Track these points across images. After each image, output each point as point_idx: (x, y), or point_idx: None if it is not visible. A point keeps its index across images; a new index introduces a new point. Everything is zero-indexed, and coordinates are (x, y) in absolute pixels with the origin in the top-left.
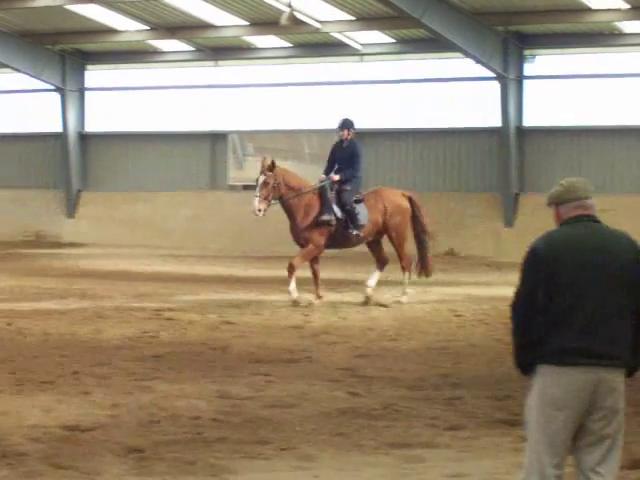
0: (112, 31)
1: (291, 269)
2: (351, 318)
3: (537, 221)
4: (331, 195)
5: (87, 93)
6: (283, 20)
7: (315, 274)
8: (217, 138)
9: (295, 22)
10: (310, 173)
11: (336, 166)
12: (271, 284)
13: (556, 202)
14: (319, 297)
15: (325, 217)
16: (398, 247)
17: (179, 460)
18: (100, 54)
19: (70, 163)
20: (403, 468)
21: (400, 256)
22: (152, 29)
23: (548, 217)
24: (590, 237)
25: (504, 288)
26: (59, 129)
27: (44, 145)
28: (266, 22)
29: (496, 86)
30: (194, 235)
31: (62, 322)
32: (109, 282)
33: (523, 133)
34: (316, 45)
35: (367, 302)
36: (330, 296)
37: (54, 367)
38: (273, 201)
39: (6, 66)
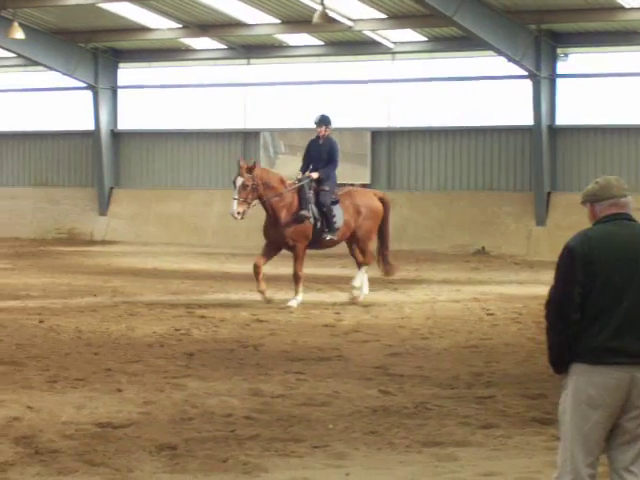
0: (145, 29)
1: (298, 279)
2: (383, 316)
3: (569, 220)
4: (309, 194)
5: (119, 91)
6: (315, 18)
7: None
8: (249, 136)
9: (327, 20)
10: (341, 172)
11: (305, 165)
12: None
13: (591, 200)
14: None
15: (304, 212)
16: (363, 245)
17: (211, 457)
18: (132, 52)
19: (102, 161)
20: (435, 466)
21: (364, 253)
22: (184, 27)
23: (580, 216)
24: (625, 236)
25: (536, 287)
26: (91, 127)
27: (76, 143)
28: (298, 20)
29: (528, 84)
30: (226, 233)
31: (94, 319)
32: (141, 280)
33: (555, 132)
34: (348, 43)
35: (355, 302)
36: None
37: (86, 364)
38: (253, 202)
39: (39, 64)
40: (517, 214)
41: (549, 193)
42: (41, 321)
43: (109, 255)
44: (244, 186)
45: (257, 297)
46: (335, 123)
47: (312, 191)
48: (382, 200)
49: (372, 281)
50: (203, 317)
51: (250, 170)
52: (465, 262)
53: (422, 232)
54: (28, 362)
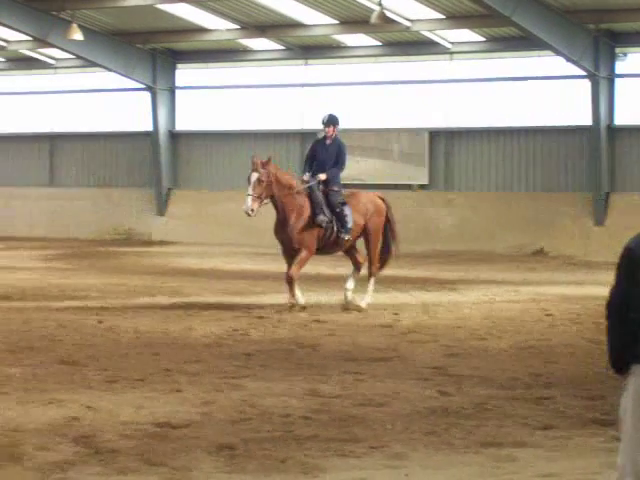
0: (203, 30)
1: (290, 280)
2: (440, 317)
3: (628, 220)
4: (320, 196)
5: (177, 92)
6: (373, 19)
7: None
8: (307, 137)
9: (385, 21)
10: (399, 172)
11: (314, 165)
12: (360, 283)
13: None
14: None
15: (321, 217)
16: (373, 249)
17: (270, 457)
18: (190, 53)
19: (160, 162)
20: (494, 467)
21: (373, 260)
22: (242, 28)
23: (639, 216)
24: None
25: (595, 287)
26: (149, 128)
27: (135, 144)
28: (356, 21)
29: (587, 84)
30: None
31: (153, 320)
32: (199, 280)
33: (614, 132)
34: (406, 43)
35: (347, 306)
36: (420, 295)
37: (145, 364)
38: (265, 200)
39: (97, 65)
40: (575, 214)
41: (608, 193)
42: (100, 321)
43: (167, 255)
44: (259, 181)
45: (315, 297)
46: (393, 123)
47: (320, 193)
48: (383, 201)
49: (427, 281)
50: (261, 317)
51: (265, 166)
52: (523, 263)
53: (479, 232)
54: (87, 362)
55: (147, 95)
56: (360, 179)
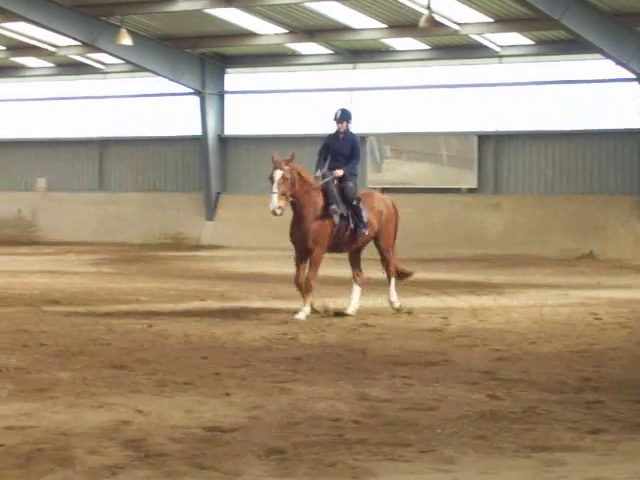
0: (251, 34)
1: (310, 288)
2: (489, 321)
3: None
4: (335, 191)
5: (226, 96)
6: (422, 22)
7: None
8: None
9: (434, 24)
10: (448, 176)
11: (327, 161)
12: (408, 286)
13: None
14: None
15: (334, 207)
16: (387, 252)
17: (319, 462)
18: (239, 57)
19: (209, 166)
20: (544, 471)
21: (389, 262)
22: (291, 32)
23: None
24: None
25: None
26: (198, 132)
27: (184, 148)
28: (404, 25)
29: (636, 87)
30: None
31: (202, 324)
32: (247, 284)
33: None
34: (454, 47)
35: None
36: (469, 299)
37: (194, 368)
38: (290, 198)
39: (146, 70)
40: (624, 218)
41: None
42: (149, 325)
43: (216, 260)
44: (284, 179)
45: (363, 301)
46: (441, 127)
47: (336, 188)
48: (394, 206)
49: (475, 285)
50: (310, 321)
51: (288, 163)
52: (572, 266)
53: (528, 236)
54: (137, 366)
55: (196, 100)
56: (408, 183)
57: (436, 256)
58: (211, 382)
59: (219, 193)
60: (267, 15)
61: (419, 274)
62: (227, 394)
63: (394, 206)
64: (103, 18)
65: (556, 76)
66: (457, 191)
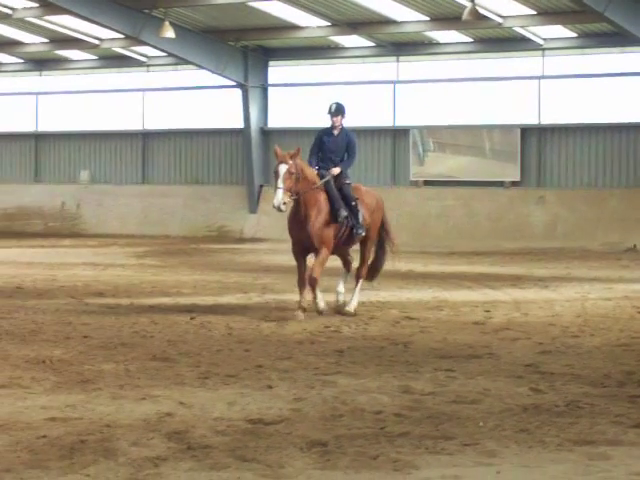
0: (294, 27)
1: (315, 283)
2: (533, 314)
3: None
4: (336, 190)
5: (269, 89)
6: (465, 15)
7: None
8: (398, 134)
9: (477, 17)
10: (491, 169)
11: (317, 157)
12: (451, 280)
13: None
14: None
15: (343, 212)
16: (368, 251)
17: (362, 454)
18: (282, 50)
19: (252, 159)
20: (587, 465)
21: (366, 261)
22: (334, 25)
23: None
24: None
25: None
26: (241, 125)
27: (226, 141)
28: (448, 17)
29: None
30: None
31: (245, 316)
32: (291, 277)
33: None
34: (497, 40)
35: (338, 310)
36: (512, 292)
37: (237, 361)
38: (294, 195)
39: (189, 62)
40: None
41: None
42: (192, 318)
43: (259, 252)
44: (289, 173)
45: (407, 294)
46: (484, 120)
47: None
48: (380, 200)
49: (519, 278)
50: (353, 314)
51: (293, 157)
52: (616, 260)
53: (572, 229)
54: (180, 358)
55: (239, 92)
56: (451, 176)
57: (479, 249)
58: (254, 374)
59: (262, 186)
60: (310, 8)
61: (462, 267)
62: (270, 387)
63: (381, 200)
64: (146, 11)
65: (599, 69)
66: (500, 184)
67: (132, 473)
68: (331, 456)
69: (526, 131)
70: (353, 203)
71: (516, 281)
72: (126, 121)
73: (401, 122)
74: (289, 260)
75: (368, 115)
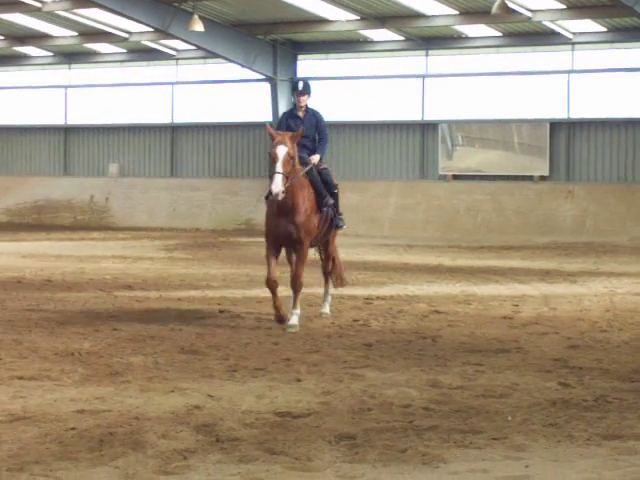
0: (323, 21)
1: (300, 286)
2: (561, 309)
3: None
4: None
5: None
6: (494, 9)
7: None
8: (427, 128)
9: (506, 11)
10: (520, 163)
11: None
12: (480, 274)
13: None
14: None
15: (331, 200)
16: (334, 250)
17: (390, 448)
18: (311, 44)
19: None
20: (616, 460)
21: (335, 261)
22: (363, 19)
23: None
24: None
25: None
26: (270, 118)
27: (255, 134)
28: (477, 11)
29: None
30: (404, 224)
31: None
32: (319, 270)
33: None
34: (527, 34)
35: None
36: (541, 287)
37: (266, 354)
38: (288, 183)
39: (218, 56)
40: None
41: None
42: (221, 311)
43: None
44: (289, 157)
45: (435, 288)
46: (513, 114)
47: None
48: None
49: (547, 273)
50: (381, 308)
51: (294, 140)
52: None
53: (601, 224)
54: (208, 351)
55: (267, 86)
56: (480, 170)
57: (508, 243)
58: (282, 368)
59: None
60: (339, 1)
61: (491, 261)
62: (298, 380)
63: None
64: (175, 4)
65: (629, 63)
66: (529, 179)
67: (161, 465)
68: (359, 449)
69: (555, 125)
70: (335, 191)
71: (545, 275)
72: (155, 114)
73: (430, 116)
74: (316, 253)
75: (397, 109)
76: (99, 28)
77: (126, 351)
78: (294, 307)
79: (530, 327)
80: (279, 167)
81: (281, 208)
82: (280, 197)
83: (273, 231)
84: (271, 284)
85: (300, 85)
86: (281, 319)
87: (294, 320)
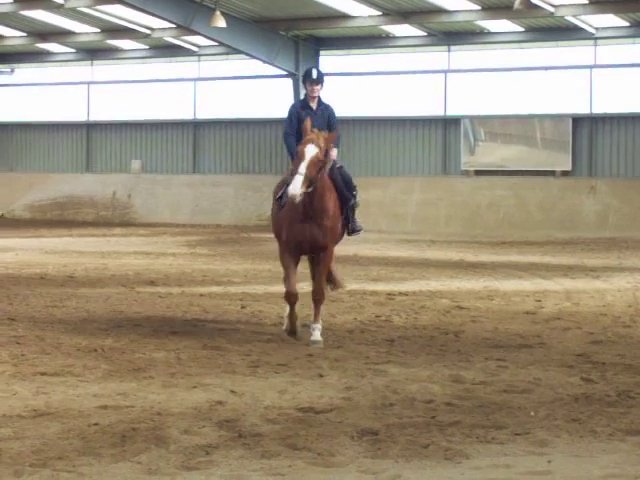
0: (345, 17)
1: (323, 298)
2: (584, 304)
3: None
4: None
5: None
6: (517, 4)
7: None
8: (449, 123)
9: (529, 6)
10: (542, 158)
11: (296, 137)
12: (502, 269)
13: None
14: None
15: (353, 200)
16: (332, 259)
17: (413, 443)
18: (333, 39)
19: None
20: (639, 455)
21: (331, 270)
22: (385, 14)
23: None
24: None
25: None
26: None
27: (277, 130)
28: (499, 6)
29: None
30: (426, 220)
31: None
32: (341, 266)
33: None
34: (549, 29)
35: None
36: (563, 282)
37: (288, 349)
38: (310, 187)
39: (240, 52)
40: None
41: None
42: (243, 307)
43: None
44: (318, 160)
45: (457, 284)
46: (536, 110)
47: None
48: None
49: (570, 268)
50: (403, 304)
51: (329, 141)
52: None
53: (624, 219)
54: (231, 347)
55: (290, 82)
56: (503, 165)
57: (530, 239)
58: (305, 363)
59: None
60: None
61: (513, 256)
62: (321, 375)
63: None
64: (197, 0)
65: None
66: (551, 174)
67: (183, 461)
68: (382, 445)
69: (578, 120)
70: (354, 192)
71: (567, 271)
72: (177, 111)
73: (452, 111)
74: (340, 249)
75: (419, 105)
76: (121, 24)
77: (149, 347)
78: (315, 321)
79: (553, 322)
80: (302, 168)
81: (307, 211)
82: (297, 200)
83: (295, 237)
84: (292, 299)
85: (314, 73)
86: (294, 332)
87: (316, 335)
